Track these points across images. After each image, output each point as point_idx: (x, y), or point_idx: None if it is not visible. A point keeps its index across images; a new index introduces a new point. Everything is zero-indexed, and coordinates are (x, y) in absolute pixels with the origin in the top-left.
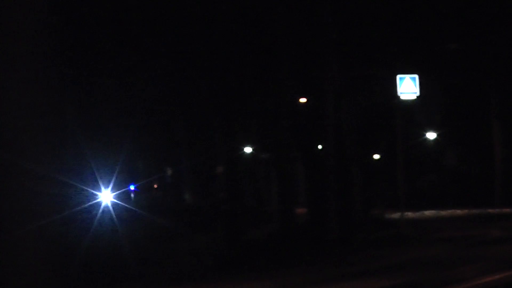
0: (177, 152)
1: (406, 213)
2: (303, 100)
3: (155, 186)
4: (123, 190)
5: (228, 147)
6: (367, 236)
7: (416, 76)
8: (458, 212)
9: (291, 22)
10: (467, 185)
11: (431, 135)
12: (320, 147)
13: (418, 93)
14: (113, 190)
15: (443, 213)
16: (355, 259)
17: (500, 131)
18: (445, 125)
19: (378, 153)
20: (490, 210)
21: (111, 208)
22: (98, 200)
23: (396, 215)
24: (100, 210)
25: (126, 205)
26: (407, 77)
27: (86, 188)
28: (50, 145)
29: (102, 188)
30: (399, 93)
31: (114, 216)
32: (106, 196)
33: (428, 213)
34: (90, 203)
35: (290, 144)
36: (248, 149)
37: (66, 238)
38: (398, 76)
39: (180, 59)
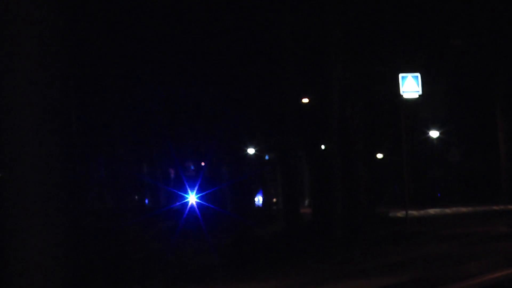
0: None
1: (410, 212)
2: (306, 100)
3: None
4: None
5: (234, 147)
6: (372, 234)
7: (418, 75)
8: (463, 209)
9: (296, 21)
10: (472, 182)
11: (435, 133)
12: (324, 146)
13: (420, 92)
14: (198, 192)
15: (448, 210)
16: (360, 257)
17: (505, 128)
18: (450, 122)
19: (383, 151)
20: (496, 207)
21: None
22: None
23: (401, 213)
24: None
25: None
26: (409, 76)
27: (175, 191)
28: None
29: (189, 191)
30: (401, 92)
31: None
32: (191, 198)
33: (432, 211)
34: (179, 203)
35: (295, 144)
36: (251, 150)
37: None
38: (401, 75)
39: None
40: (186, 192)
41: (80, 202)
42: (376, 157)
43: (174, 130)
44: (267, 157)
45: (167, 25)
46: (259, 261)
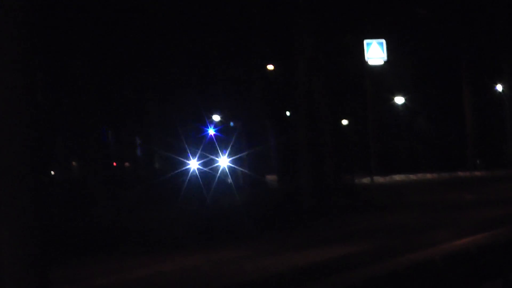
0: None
1: (376, 178)
2: (271, 67)
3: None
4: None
5: (198, 114)
6: (338, 203)
7: (383, 41)
8: (428, 176)
9: None
10: (438, 149)
11: (400, 100)
12: (289, 114)
13: (385, 58)
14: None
15: (413, 177)
16: (326, 225)
17: (471, 95)
18: (415, 90)
19: (349, 119)
20: (461, 174)
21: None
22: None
23: (366, 180)
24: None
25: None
26: (374, 42)
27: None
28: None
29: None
30: (366, 58)
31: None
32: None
33: (397, 177)
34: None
35: (261, 111)
36: (216, 117)
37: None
38: (365, 41)
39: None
40: (150, 161)
41: (47, 172)
42: (342, 125)
43: (138, 97)
44: (232, 124)
45: None
46: (226, 230)
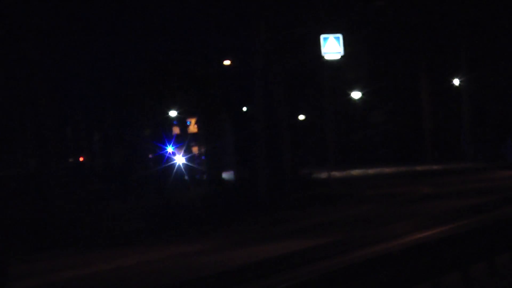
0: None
1: (333, 173)
2: (228, 62)
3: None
4: None
5: (155, 110)
6: (296, 196)
7: (340, 36)
8: (386, 170)
9: None
10: (396, 142)
11: (357, 94)
12: (246, 109)
13: (342, 53)
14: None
15: (371, 171)
16: (283, 219)
17: (428, 88)
18: (372, 83)
19: (306, 113)
20: (419, 168)
21: None
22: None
23: (324, 175)
24: None
25: None
26: (331, 37)
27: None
28: None
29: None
30: (323, 53)
31: None
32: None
33: (355, 172)
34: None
35: (218, 106)
36: (173, 113)
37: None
38: (322, 36)
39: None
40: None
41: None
42: (299, 120)
43: (94, 95)
44: (188, 123)
45: None
46: (183, 225)
